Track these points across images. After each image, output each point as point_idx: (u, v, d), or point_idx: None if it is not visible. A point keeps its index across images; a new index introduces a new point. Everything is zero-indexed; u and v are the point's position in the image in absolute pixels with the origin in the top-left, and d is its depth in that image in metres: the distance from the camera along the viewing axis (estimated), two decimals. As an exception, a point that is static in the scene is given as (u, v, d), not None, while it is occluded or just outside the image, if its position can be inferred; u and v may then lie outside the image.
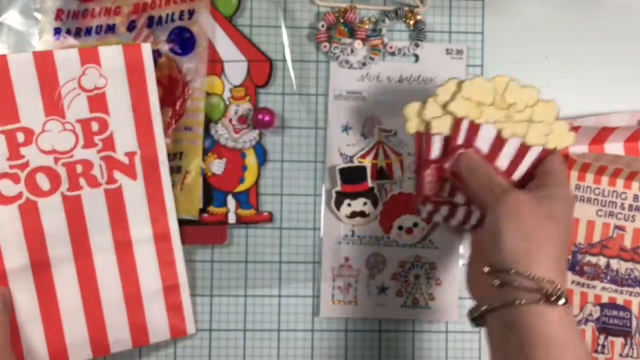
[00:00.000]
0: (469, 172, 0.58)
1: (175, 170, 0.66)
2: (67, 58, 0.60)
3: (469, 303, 0.70)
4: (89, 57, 0.60)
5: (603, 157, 0.69)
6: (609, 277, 0.70)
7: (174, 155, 0.66)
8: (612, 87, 0.72)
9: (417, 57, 0.70)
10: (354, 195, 0.69)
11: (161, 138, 0.63)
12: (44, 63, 0.59)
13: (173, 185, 0.65)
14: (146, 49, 0.61)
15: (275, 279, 0.69)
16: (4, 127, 0.59)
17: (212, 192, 0.68)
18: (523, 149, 0.60)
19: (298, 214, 0.69)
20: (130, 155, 0.62)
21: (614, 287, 0.70)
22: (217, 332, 0.69)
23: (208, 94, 0.68)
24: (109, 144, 0.62)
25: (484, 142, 0.60)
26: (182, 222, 0.66)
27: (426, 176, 0.61)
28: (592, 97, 0.72)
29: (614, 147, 0.72)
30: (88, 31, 0.66)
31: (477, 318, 0.55)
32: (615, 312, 0.70)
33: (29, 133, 0.60)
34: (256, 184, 0.69)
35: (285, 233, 0.69)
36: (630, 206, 0.71)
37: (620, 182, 0.71)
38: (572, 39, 0.72)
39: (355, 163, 0.69)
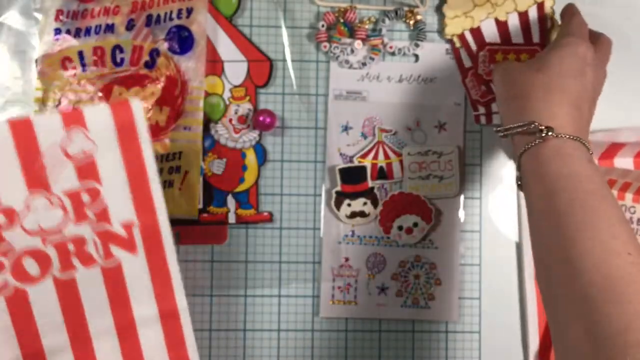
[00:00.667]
0: (493, 70, 0.64)
1: (174, 170, 0.66)
2: (47, 123, 0.52)
3: (469, 303, 0.70)
4: (73, 120, 0.52)
5: (612, 171, 0.69)
6: (618, 290, 0.70)
7: (173, 155, 0.66)
8: (622, 102, 0.72)
9: (417, 57, 0.70)
10: (354, 195, 0.69)
11: (161, 204, 0.56)
12: (22, 131, 0.52)
13: (172, 185, 0.66)
14: (136, 106, 0.54)
15: (275, 279, 0.69)
16: None
17: (212, 192, 0.68)
18: (524, 18, 0.69)
19: (298, 214, 0.69)
20: (128, 226, 0.55)
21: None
22: (217, 332, 0.69)
23: (208, 94, 0.68)
24: (103, 215, 0.55)
25: (490, 34, 0.69)
26: (182, 222, 0.67)
27: (467, 83, 0.69)
28: (602, 111, 0.71)
29: (624, 161, 0.72)
30: (87, 31, 0.66)
31: (519, 185, 0.58)
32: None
33: (10, 213, 0.53)
34: (256, 184, 0.69)
35: (285, 233, 0.69)
36: (639, 220, 0.70)
37: (629, 196, 0.70)
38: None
39: (355, 163, 0.69)
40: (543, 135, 0.53)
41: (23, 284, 0.54)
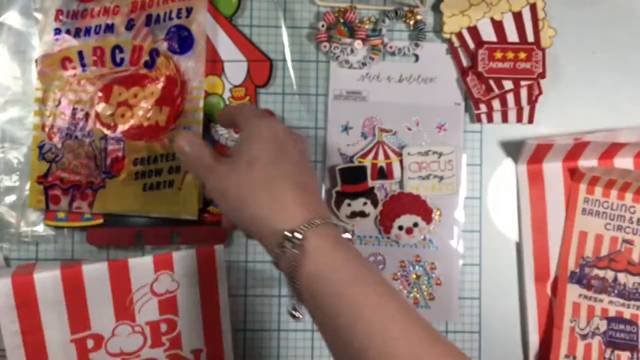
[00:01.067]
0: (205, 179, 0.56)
1: (174, 170, 0.66)
2: (141, 266, 0.60)
3: (469, 303, 0.70)
4: (163, 264, 0.61)
5: (612, 171, 0.69)
6: (616, 291, 0.70)
7: (173, 155, 0.66)
8: (622, 102, 0.72)
9: (417, 57, 0.70)
10: (354, 195, 0.69)
11: (228, 335, 0.63)
12: (118, 272, 0.60)
13: (172, 185, 0.66)
14: (219, 251, 0.62)
15: (275, 279, 0.69)
16: (75, 336, 0.60)
17: (212, 192, 0.68)
18: (518, 17, 0.70)
19: (298, 214, 0.69)
20: (197, 353, 0.63)
21: (621, 301, 0.70)
22: (217, 332, 0.69)
23: (208, 94, 0.68)
24: (176, 342, 0.62)
25: (487, 33, 0.70)
26: (182, 222, 0.67)
27: (469, 82, 0.69)
28: (602, 111, 0.72)
29: (624, 162, 0.71)
30: (87, 31, 0.66)
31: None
32: (622, 326, 0.70)
33: (98, 339, 0.60)
34: (256, 184, 0.69)
35: (285, 233, 0.69)
36: (639, 220, 0.70)
37: (629, 196, 0.70)
38: (580, 52, 0.72)
39: (355, 163, 0.69)
40: (287, 250, 0.48)
41: None
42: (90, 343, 0.60)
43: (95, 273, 0.59)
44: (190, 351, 0.63)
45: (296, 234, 0.48)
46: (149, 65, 0.66)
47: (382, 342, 0.45)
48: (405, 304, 0.47)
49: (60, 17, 0.66)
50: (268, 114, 0.58)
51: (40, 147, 0.66)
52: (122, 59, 0.66)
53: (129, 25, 0.66)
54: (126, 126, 0.66)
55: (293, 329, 0.69)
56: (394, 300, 0.47)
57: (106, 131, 0.66)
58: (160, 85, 0.65)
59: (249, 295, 0.69)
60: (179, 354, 0.62)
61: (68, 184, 0.65)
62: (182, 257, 0.61)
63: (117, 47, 0.66)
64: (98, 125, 0.66)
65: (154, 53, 0.65)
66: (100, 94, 0.66)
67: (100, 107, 0.66)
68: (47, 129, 0.66)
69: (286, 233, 0.48)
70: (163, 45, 0.66)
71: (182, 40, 0.65)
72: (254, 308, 0.69)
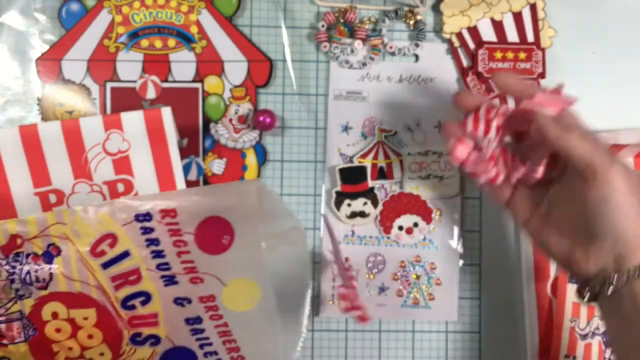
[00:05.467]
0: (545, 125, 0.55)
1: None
2: (92, 125, 0.63)
3: (469, 303, 0.70)
4: (112, 123, 0.63)
5: None
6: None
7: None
8: (622, 103, 0.72)
9: (417, 57, 0.70)
10: (354, 195, 0.69)
11: None
12: (71, 130, 0.62)
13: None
14: (166, 113, 0.63)
15: (276, 279, 0.69)
16: (37, 190, 0.63)
17: (212, 192, 0.68)
18: (518, 17, 0.70)
19: (298, 214, 0.69)
20: None
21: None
22: (217, 332, 0.69)
23: (208, 94, 0.68)
24: None
25: (487, 33, 0.70)
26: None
27: (469, 82, 0.69)
28: (602, 112, 0.71)
29: None
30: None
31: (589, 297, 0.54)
32: (622, 327, 0.70)
33: (60, 194, 0.63)
34: (256, 184, 0.69)
35: (285, 233, 0.69)
36: None
37: None
38: (580, 52, 0.72)
39: (355, 163, 0.69)
40: None
41: None
42: (52, 198, 0.63)
43: (50, 131, 0.62)
44: None
45: None
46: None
47: None
48: None
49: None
50: None
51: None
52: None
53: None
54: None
55: (293, 329, 0.69)
56: None
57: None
58: None
59: (249, 295, 0.69)
60: None
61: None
62: (130, 116, 0.63)
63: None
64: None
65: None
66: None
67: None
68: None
69: None
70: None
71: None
72: (254, 308, 0.69)
